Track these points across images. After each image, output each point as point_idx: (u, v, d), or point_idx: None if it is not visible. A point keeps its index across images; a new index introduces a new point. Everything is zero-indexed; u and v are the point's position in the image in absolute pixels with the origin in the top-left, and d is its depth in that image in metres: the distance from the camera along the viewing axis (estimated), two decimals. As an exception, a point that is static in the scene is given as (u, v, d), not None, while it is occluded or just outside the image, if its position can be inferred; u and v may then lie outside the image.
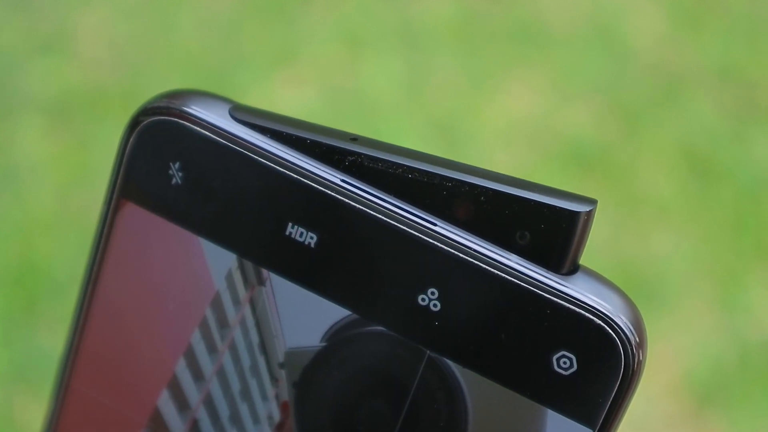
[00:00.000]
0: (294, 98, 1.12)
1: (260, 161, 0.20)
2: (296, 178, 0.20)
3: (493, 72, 1.15)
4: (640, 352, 0.21)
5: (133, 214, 0.22)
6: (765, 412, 0.93)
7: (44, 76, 1.12)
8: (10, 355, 0.94)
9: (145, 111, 0.21)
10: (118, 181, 0.21)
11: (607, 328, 0.21)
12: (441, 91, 1.13)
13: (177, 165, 0.21)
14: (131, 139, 0.21)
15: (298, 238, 0.20)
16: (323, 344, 0.21)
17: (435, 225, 0.20)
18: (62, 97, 1.11)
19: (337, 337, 0.21)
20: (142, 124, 0.21)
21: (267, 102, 1.11)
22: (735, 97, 1.14)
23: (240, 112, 0.21)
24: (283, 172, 0.20)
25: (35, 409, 0.91)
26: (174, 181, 0.21)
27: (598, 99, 1.12)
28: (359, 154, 0.20)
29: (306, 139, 0.20)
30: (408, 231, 0.20)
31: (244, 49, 1.16)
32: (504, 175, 0.21)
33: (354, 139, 0.21)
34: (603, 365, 0.21)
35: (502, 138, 1.09)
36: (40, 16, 1.17)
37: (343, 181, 0.20)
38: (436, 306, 0.20)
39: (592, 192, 1.08)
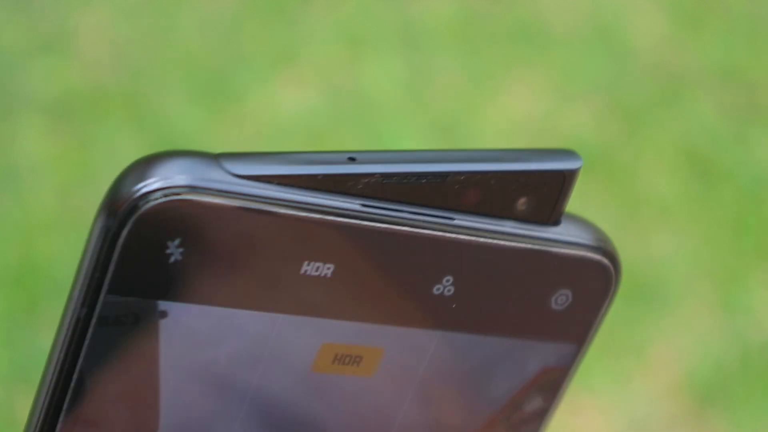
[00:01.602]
0: (295, 99, 1.12)
1: (277, 212, 0.19)
2: (316, 217, 0.20)
3: (493, 72, 1.15)
4: (620, 267, 0.23)
5: (122, 306, 0.19)
6: (766, 412, 0.93)
7: (45, 76, 1.12)
8: (11, 355, 0.94)
9: (137, 197, 0.18)
10: (108, 278, 0.19)
11: (604, 259, 0.22)
12: (442, 91, 1.13)
13: (177, 242, 0.19)
14: (125, 233, 0.18)
15: (314, 273, 0.20)
16: None
17: (452, 219, 0.21)
18: (63, 98, 1.11)
19: None
20: (138, 214, 0.18)
21: (268, 103, 1.11)
22: (736, 97, 1.14)
23: (234, 164, 0.19)
24: (301, 215, 0.19)
25: (36, 410, 0.91)
26: (173, 258, 0.19)
27: (598, 99, 1.12)
28: (372, 175, 0.20)
29: (317, 175, 0.20)
30: (429, 233, 0.21)
31: (245, 49, 1.16)
32: (495, 151, 0.21)
33: (352, 159, 0.20)
34: (596, 291, 0.23)
35: (503, 138, 1.09)
36: (40, 16, 1.17)
37: (362, 205, 0.20)
38: (450, 291, 0.21)
39: (593, 193, 1.08)
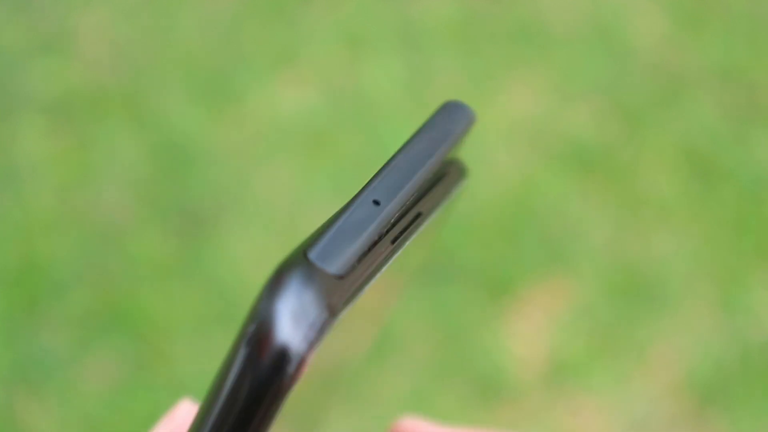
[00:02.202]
0: (295, 99, 1.12)
1: (366, 287, 0.21)
2: (378, 275, 0.21)
3: (493, 72, 1.15)
4: None
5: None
6: (766, 412, 0.93)
7: (45, 76, 1.12)
8: (12, 355, 0.94)
9: (287, 358, 0.18)
10: (261, 422, 0.19)
11: (466, 180, 0.25)
12: (442, 91, 1.13)
13: (321, 354, 0.20)
14: (280, 385, 0.19)
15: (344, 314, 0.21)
16: None
17: (420, 215, 0.23)
18: (63, 97, 1.11)
19: None
20: (293, 370, 0.19)
21: (268, 103, 1.11)
22: (736, 97, 1.14)
23: (326, 263, 0.20)
24: (376, 277, 0.21)
25: (36, 409, 0.91)
26: (313, 366, 0.20)
27: (599, 99, 1.12)
28: (394, 214, 0.21)
29: (377, 239, 0.21)
30: (412, 238, 0.22)
31: (245, 49, 1.16)
32: (430, 134, 0.23)
33: (376, 202, 0.21)
34: (459, 192, 0.26)
35: (503, 139, 1.09)
36: (40, 17, 1.17)
37: (390, 242, 0.22)
38: (404, 267, 0.24)
39: (594, 193, 1.08)
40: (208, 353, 0.94)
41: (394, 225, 0.22)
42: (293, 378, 0.18)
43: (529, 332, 0.97)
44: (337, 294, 0.19)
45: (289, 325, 0.18)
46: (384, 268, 0.21)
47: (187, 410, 0.27)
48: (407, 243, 0.22)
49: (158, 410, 0.84)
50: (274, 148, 1.08)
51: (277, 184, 1.05)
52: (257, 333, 0.18)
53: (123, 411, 0.92)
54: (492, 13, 1.19)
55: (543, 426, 0.93)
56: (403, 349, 0.96)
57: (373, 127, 1.09)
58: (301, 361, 0.18)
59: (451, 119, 0.23)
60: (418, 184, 0.21)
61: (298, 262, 0.19)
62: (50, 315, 0.96)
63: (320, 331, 0.19)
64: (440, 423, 0.29)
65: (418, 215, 0.22)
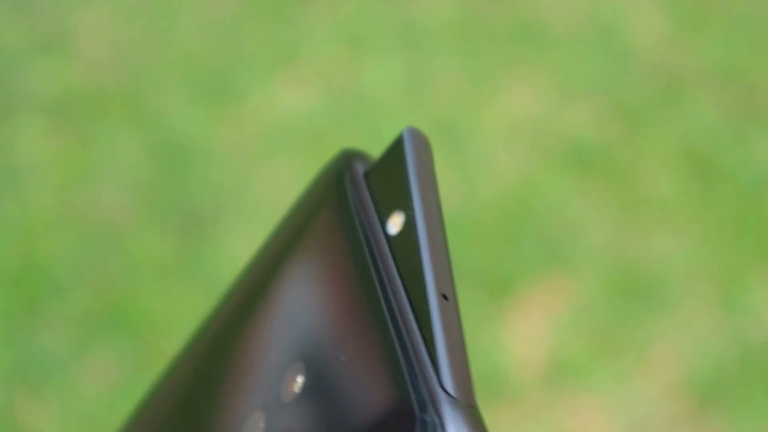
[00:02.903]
0: (295, 99, 1.12)
1: None
2: None
3: (493, 72, 1.15)
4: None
5: None
6: (766, 412, 0.93)
7: (45, 76, 1.12)
8: (11, 355, 0.94)
9: None
10: None
11: None
12: (442, 91, 1.13)
13: None
14: None
15: None
16: None
17: None
18: (63, 97, 1.11)
19: None
20: None
21: (268, 103, 1.11)
22: (736, 97, 1.14)
23: (459, 392, 0.22)
24: None
25: (36, 410, 0.91)
26: None
27: (599, 99, 1.12)
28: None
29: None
30: None
31: (245, 49, 1.16)
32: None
33: (444, 296, 0.23)
34: None
35: (503, 139, 1.09)
36: (40, 16, 1.17)
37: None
38: None
39: (594, 193, 1.07)
40: (208, 353, 0.93)
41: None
42: None
43: (529, 332, 0.97)
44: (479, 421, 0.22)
45: None
46: None
47: None
48: None
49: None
50: (274, 148, 1.08)
51: (277, 184, 1.05)
52: None
53: (123, 411, 0.92)
54: (492, 13, 1.19)
55: (543, 426, 0.93)
56: (403, 349, 0.96)
57: (373, 127, 1.09)
58: None
59: (426, 158, 0.25)
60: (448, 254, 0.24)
61: (448, 402, 0.22)
62: (50, 315, 0.96)
63: None
64: None
65: None
